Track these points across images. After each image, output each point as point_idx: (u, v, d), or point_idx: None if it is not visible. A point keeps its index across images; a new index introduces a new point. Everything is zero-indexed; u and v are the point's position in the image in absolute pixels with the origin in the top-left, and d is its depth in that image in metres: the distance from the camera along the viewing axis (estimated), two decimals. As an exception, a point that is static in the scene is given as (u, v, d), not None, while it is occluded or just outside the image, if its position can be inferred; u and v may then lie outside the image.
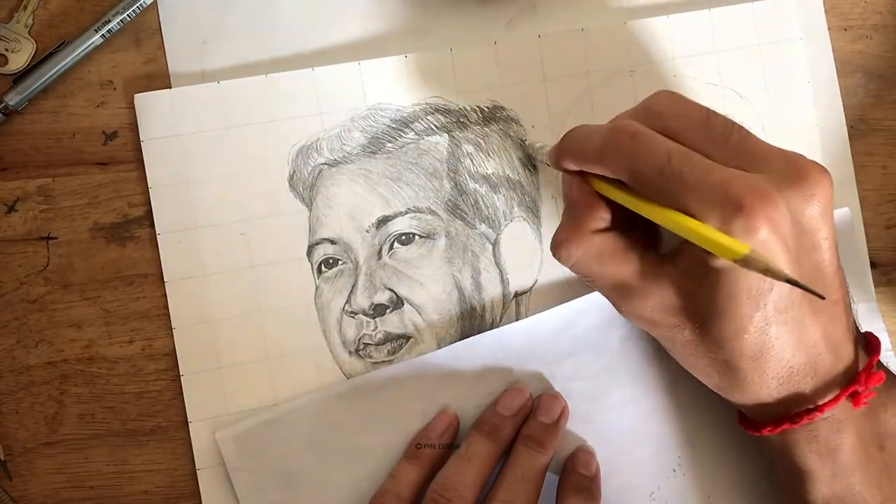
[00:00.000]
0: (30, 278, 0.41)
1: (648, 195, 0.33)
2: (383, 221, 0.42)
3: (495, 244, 0.43)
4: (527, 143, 0.43)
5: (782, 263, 0.31)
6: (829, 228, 0.33)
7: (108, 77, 0.42)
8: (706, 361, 0.35)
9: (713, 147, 0.33)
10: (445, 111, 0.43)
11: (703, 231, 0.30)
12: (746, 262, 0.28)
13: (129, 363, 0.41)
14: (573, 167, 0.36)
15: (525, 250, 0.43)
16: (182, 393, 0.41)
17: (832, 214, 0.33)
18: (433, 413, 0.41)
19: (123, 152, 0.42)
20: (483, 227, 0.43)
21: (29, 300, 0.41)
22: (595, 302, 0.42)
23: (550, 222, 0.44)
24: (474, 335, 0.42)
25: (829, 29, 0.45)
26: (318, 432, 0.41)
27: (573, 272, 0.36)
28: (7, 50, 0.41)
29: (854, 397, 0.34)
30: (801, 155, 0.33)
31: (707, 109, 0.35)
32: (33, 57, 0.42)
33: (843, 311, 0.35)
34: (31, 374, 0.41)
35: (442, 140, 0.43)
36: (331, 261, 0.42)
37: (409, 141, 0.43)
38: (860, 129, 0.46)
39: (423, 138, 0.43)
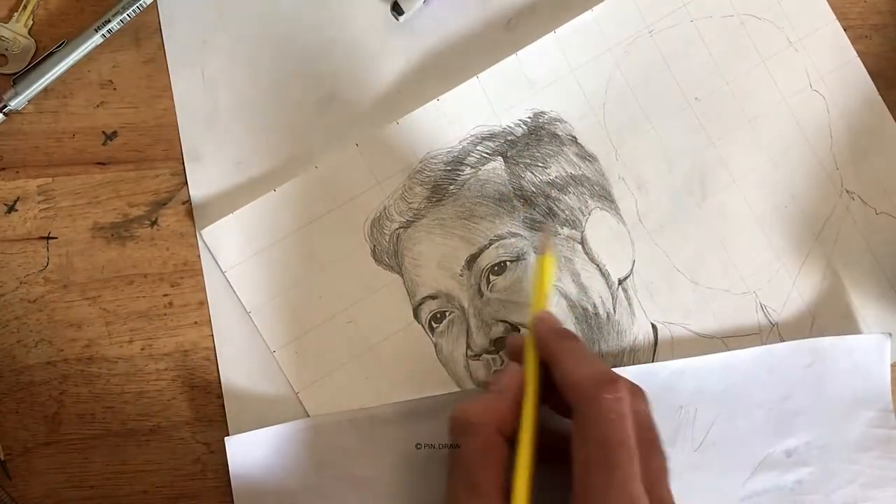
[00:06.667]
0: (30, 278, 0.41)
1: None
2: (472, 260, 0.42)
3: (583, 242, 0.43)
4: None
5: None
6: None
7: (108, 77, 0.42)
8: None
9: None
10: (491, 136, 0.43)
11: None
12: None
13: (129, 363, 0.41)
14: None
15: (613, 237, 0.43)
16: (182, 393, 0.41)
17: None
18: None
19: (123, 152, 0.42)
20: (566, 231, 0.43)
21: (29, 300, 0.41)
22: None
23: (625, 203, 0.44)
24: (596, 337, 0.42)
25: (829, 29, 0.45)
26: (327, 455, 0.40)
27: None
28: (7, 50, 0.41)
29: None
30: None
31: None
32: (33, 57, 0.42)
33: None
34: (31, 373, 0.41)
35: (498, 164, 0.43)
36: (438, 315, 0.42)
37: (468, 176, 0.43)
38: (860, 128, 0.46)
39: (479, 169, 0.43)
